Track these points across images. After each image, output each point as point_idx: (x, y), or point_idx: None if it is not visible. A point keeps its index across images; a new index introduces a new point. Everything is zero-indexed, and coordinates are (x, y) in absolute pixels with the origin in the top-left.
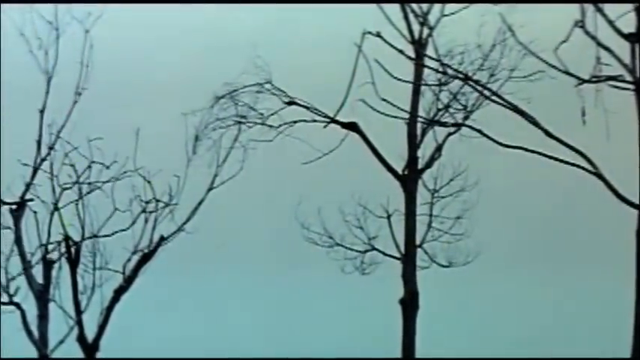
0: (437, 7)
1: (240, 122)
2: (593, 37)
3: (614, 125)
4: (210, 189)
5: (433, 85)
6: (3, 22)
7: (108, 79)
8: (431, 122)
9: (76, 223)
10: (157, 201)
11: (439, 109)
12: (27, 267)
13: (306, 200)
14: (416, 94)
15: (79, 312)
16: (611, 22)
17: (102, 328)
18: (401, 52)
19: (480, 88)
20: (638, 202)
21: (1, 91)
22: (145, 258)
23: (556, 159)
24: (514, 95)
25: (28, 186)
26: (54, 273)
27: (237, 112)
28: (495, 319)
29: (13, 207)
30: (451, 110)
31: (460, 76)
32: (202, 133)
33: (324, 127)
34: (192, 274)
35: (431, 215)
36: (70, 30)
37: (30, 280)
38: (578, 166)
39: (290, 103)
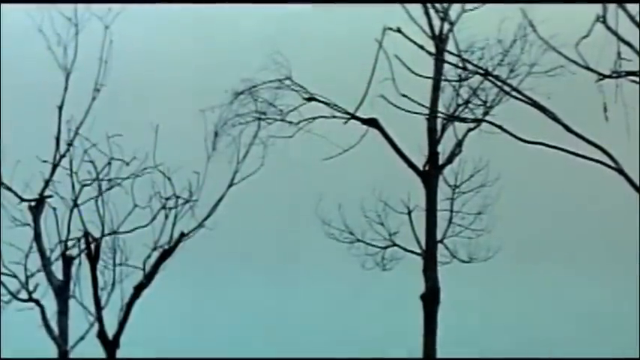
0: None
1: (259, 118)
2: (615, 33)
3: (634, 121)
4: (230, 185)
5: (453, 80)
6: (22, 19)
7: (127, 75)
8: (451, 118)
9: (96, 219)
10: (177, 197)
11: (459, 105)
12: (46, 263)
13: (326, 196)
14: (436, 89)
15: (99, 308)
16: (632, 18)
17: (122, 324)
18: (421, 47)
19: (500, 83)
20: None
21: (20, 87)
22: (165, 254)
23: (577, 154)
24: (534, 91)
25: (47, 182)
26: (74, 269)
27: (256, 108)
28: (516, 315)
29: (33, 204)
30: (471, 106)
31: (480, 71)
32: (222, 130)
33: (344, 123)
34: (213, 270)
35: (452, 211)
36: (89, 26)
37: (49, 276)
38: (599, 161)
39: (310, 99)
